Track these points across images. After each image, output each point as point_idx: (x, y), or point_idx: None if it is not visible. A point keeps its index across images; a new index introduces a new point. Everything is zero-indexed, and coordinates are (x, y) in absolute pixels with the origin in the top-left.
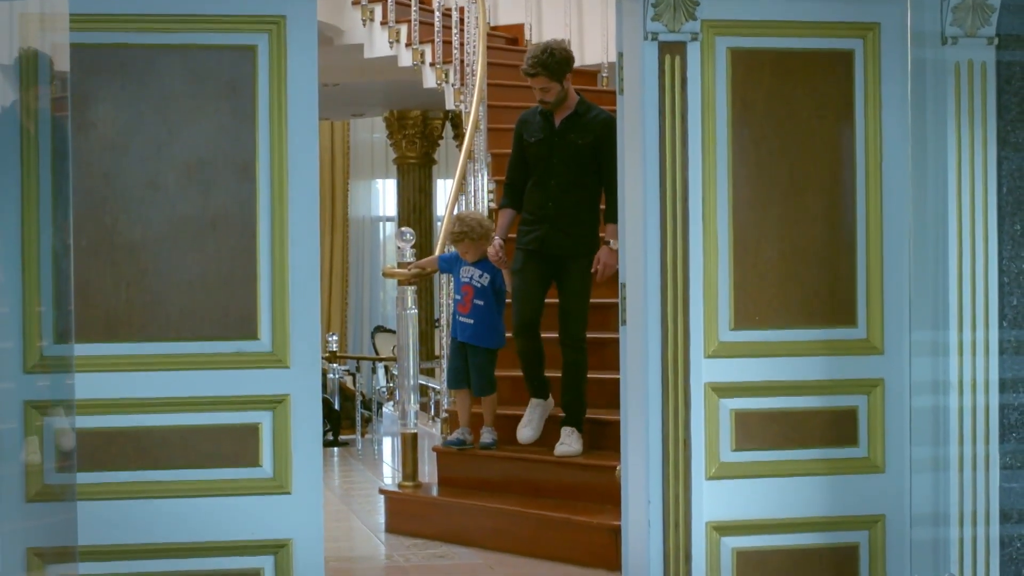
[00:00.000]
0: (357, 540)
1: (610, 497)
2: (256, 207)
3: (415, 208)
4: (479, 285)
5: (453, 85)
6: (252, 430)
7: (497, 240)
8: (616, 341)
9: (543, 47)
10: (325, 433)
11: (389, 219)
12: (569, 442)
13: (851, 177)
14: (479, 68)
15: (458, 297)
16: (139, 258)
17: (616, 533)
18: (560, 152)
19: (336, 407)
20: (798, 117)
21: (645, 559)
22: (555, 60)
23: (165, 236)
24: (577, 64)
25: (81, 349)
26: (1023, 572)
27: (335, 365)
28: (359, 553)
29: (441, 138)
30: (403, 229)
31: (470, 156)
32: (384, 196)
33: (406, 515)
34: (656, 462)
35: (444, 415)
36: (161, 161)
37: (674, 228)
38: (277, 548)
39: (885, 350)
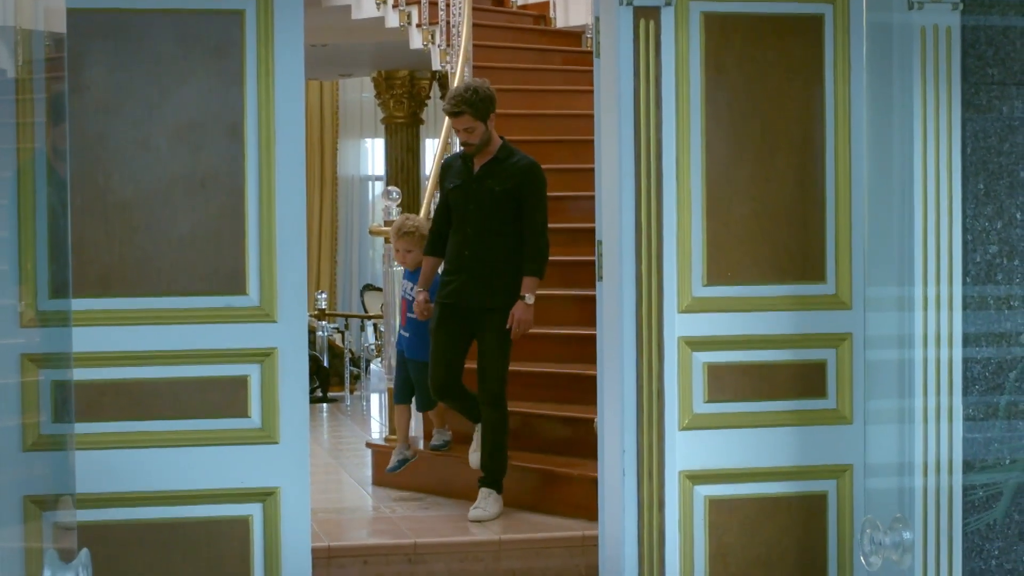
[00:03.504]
0: (345, 492)
1: (590, 450)
2: (244, 166)
3: (403, 167)
4: (412, 298)
5: (439, 46)
6: (241, 382)
7: (421, 295)
8: (591, 300)
9: (466, 85)
10: (314, 390)
11: (378, 178)
12: (484, 505)
13: (821, 138)
14: (464, 29)
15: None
16: (131, 216)
17: (595, 485)
18: (476, 199)
19: (325, 364)
20: (770, 80)
21: (620, 507)
22: (479, 98)
23: (156, 195)
24: (562, 25)
25: (75, 304)
26: (983, 517)
27: (324, 323)
28: (347, 505)
29: (428, 98)
30: (389, 188)
31: None
32: (372, 155)
33: None
34: (631, 413)
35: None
36: (152, 122)
37: (648, 187)
38: (265, 496)
39: (853, 305)
